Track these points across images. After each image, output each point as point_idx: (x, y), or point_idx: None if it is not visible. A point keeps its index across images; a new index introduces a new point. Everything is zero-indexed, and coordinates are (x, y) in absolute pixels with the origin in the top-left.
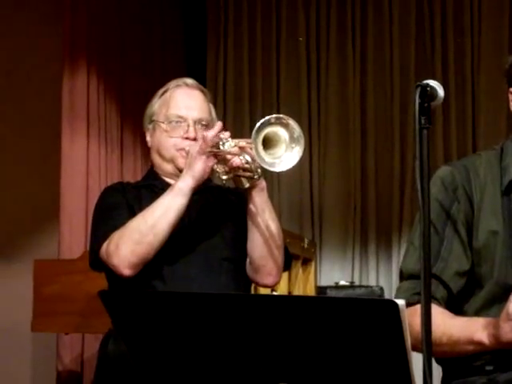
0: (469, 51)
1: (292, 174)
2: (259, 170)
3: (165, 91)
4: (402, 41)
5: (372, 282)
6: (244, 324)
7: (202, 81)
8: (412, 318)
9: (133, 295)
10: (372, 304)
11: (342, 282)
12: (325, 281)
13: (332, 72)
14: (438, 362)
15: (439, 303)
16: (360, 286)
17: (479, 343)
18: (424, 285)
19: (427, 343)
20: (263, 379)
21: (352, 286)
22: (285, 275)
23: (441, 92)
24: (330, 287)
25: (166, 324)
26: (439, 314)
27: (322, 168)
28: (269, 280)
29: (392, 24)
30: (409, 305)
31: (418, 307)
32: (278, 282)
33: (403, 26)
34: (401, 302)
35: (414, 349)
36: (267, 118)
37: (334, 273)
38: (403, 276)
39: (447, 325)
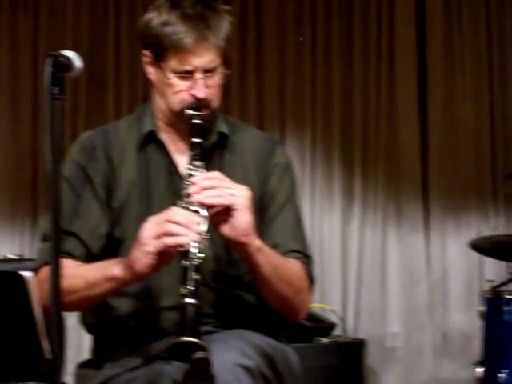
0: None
1: None
2: None
3: None
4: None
5: None
6: None
7: None
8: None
9: None
10: None
11: (11, 256)
12: None
13: None
14: (89, 331)
15: (79, 260)
16: (30, 260)
17: (113, 278)
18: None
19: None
20: None
21: (21, 259)
22: None
23: (78, 63)
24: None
25: None
26: (76, 267)
27: None
28: None
29: None
30: (47, 264)
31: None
32: None
33: None
34: (27, 274)
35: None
36: None
37: (3, 246)
38: (43, 238)
39: (84, 270)
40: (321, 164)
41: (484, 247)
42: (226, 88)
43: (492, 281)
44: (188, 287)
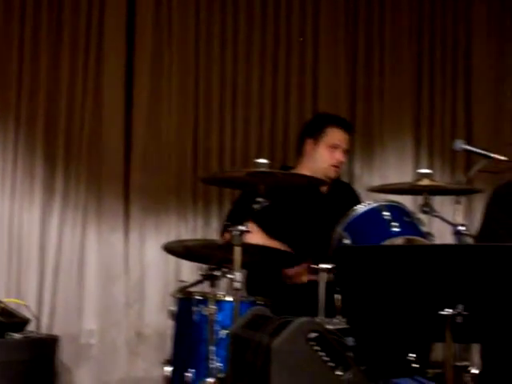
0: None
1: None
2: None
3: None
4: None
5: None
6: None
7: None
8: None
9: None
10: None
11: None
12: None
13: None
14: None
15: None
16: None
17: None
18: None
19: None
20: None
21: None
22: None
23: None
24: None
25: None
26: None
27: None
28: None
29: None
30: None
31: None
32: None
33: None
34: None
35: None
36: None
37: None
38: None
39: None
40: (23, 159)
41: (176, 250)
42: None
43: (184, 281)
44: None
